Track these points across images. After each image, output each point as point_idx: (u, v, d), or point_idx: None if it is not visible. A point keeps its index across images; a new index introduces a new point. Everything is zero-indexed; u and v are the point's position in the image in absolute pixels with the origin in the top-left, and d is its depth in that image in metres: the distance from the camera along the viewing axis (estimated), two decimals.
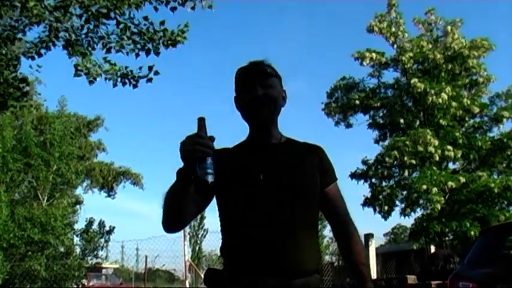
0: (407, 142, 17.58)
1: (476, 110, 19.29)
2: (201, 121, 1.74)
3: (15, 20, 7.24)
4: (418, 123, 19.61)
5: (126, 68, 7.57)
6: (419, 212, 19.13)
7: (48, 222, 16.38)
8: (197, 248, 33.99)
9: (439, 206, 16.83)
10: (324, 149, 2.11)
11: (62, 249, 17.26)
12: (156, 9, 7.49)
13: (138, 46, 7.48)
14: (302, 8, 70.31)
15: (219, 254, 2.01)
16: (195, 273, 15.75)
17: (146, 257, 15.10)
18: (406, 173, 19.45)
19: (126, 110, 61.26)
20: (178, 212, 1.86)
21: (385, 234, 47.11)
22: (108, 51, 7.53)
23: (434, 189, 16.79)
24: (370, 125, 21.29)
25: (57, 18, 7.17)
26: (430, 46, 19.56)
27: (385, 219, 19.76)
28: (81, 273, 16.99)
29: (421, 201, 18.36)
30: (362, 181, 20.56)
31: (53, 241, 16.33)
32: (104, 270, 28.97)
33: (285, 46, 64.68)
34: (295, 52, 69.56)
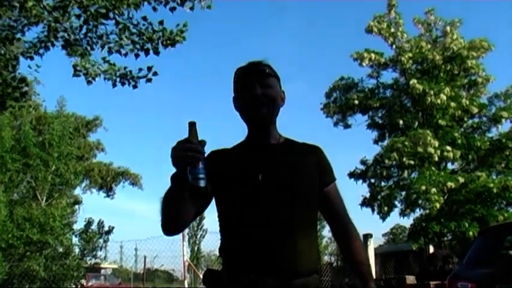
0: (406, 143, 17.59)
1: (475, 110, 19.32)
2: (192, 126, 1.74)
3: (14, 20, 7.23)
4: (417, 123, 19.63)
5: (125, 68, 7.57)
6: (418, 213, 19.16)
7: (47, 222, 16.37)
8: (196, 248, 34.00)
9: (437, 205, 16.84)
10: (323, 149, 2.11)
11: (60, 250, 17.24)
12: (154, 9, 7.49)
13: (137, 46, 7.48)
14: (301, 9, 70.40)
15: (218, 254, 2.01)
16: (193, 274, 15.74)
17: (145, 257, 15.10)
18: (406, 174, 19.47)
19: (124, 110, 61.33)
20: (175, 216, 1.86)
21: (384, 235, 47.16)
22: (108, 51, 7.54)
23: (433, 190, 16.81)
24: (369, 125, 21.30)
25: (56, 18, 7.16)
26: (429, 46, 19.58)
27: (383, 220, 19.79)
28: (79, 273, 16.98)
29: (420, 202, 18.37)
30: (361, 181, 20.60)
31: (51, 241, 16.32)
32: (102, 271, 28.97)
33: (285, 46, 64.79)
34: (294, 52, 69.69)
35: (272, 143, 2.00)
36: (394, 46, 19.97)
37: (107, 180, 31.16)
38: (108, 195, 32.05)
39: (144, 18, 7.45)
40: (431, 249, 18.66)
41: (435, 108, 18.97)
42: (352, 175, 20.62)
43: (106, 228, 20.16)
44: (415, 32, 20.54)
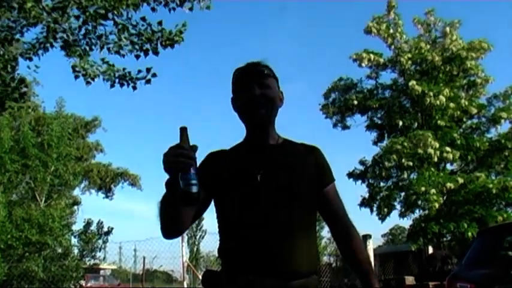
0: (405, 143, 17.60)
1: (474, 111, 19.34)
2: (183, 131, 1.73)
3: (13, 21, 7.22)
4: (416, 124, 19.65)
5: (124, 69, 7.57)
6: (417, 213, 19.17)
7: (46, 223, 16.35)
8: (195, 249, 33.98)
9: (436, 205, 16.85)
10: (321, 149, 2.11)
11: (59, 250, 17.22)
12: (154, 9, 7.50)
13: (136, 47, 7.48)
14: (301, 9, 70.40)
15: (217, 255, 2.01)
16: (193, 274, 15.72)
17: (144, 258, 15.07)
18: (405, 175, 19.48)
19: (123, 111, 61.30)
20: (174, 221, 1.86)
21: (383, 235, 47.22)
22: (108, 52, 7.54)
23: (433, 191, 16.83)
24: (368, 126, 21.32)
25: (55, 19, 7.16)
26: (428, 47, 19.60)
27: (382, 221, 19.80)
28: (78, 274, 16.97)
29: (419, 203, 18.39)
30: (360, 181, 20.61)
31: (50, 242, 16.31)
32: (101, 271, 28.99)
33: (285, 46, 64.74)
34: (294, 52, 69.65)
35: (271, 143, 2.00)
36: (392, 47, 19.99)
37: (106, 181, 31.15)
38: (107, 196, 32.06)
39: (143, 19, 7.45)
40: (431, 250, 18.69)
41: (434, 109, 18.99)
42: (351, 175, 20.64)
43: (105, 229, 20.17)
44: (415, 32, 20.60)
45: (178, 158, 1.66)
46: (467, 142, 18.82)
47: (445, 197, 17.95)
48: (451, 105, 18.64)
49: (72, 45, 7.49)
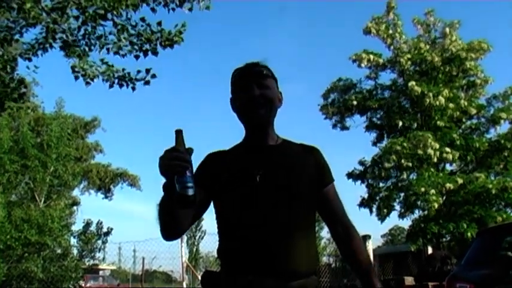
0: (405, 144, 17.61)
1: (473, 111, 19.36)
2: (178, 134, 1.73)
3: (12, 21, 7.22)
4: (415, 125, 19.66)
5: (123, 70, 7.57)
6: (416, 214, 19.17)
7: (45, 223, 16.32)
8: (194, 249, 33.92)
9: (436, 205, 16.85)
10: (320, 149, 2.11)
11: (58, 251, 17.20)
12: (153, 10, 7.49)
13: (136, 47, 7.48)
14: (301, 9, 70.44)
15: (216, 255, 2.01)
16: (192, 275, 15.72)
17: (143, 258, 15.10)
18: (404, 175, 19.49)
19: (123, 111, 61.27)
20: (173, 224, 1.86)
21: (383, 236, 47.23)
22: (107, 53, 7.53)
23: (432, 191, 16.83)
24: (367, 127, 21.32)
25: (54, 19, 7.15)
26: (428, 47, 19.61)
27: (382, 222, 19.82)
28: (78, 274, 16.94)
29: (418, 203, 18.39)
30: (359, 182, 20.61)
31: (50, 242, 16.29)
32: (101, 272, 28.97)
33: (285, 47, 64.87)
34: (294, 53, 69.75)
35: (270, 144, 2.00)
36: (392, 47, 20.00)
37: (105, 182, 31.13)
38: (106, 197, 32.05)
39: (143, 19, 7.45)
40: (430, 250, 18.69)
41: (434, 110, 19.00)
42: (351, 176, 20.64)
43: (105, 230, 20.13)
44: (414, 32, 20.60)
45: (173, 161, 1.66)
46: (467, 142, 18.84)
47: (444, 198, 17.95)
48: (451, 105, 18.65)
49: (71, 46, 7.48)
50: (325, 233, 20.93)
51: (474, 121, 20.34)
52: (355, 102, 20.43)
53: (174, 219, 1.83)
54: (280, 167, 1.92)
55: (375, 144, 21.35)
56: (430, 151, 17.35)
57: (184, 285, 12.52)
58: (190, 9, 7.54)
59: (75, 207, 25.80)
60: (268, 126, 2.01)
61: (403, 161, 17.81)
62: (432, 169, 18.17)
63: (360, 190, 20.96)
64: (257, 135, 2.00)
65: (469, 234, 16.53)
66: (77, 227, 20.03)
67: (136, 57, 7.51)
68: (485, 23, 49.78)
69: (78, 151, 26.39)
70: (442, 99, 18.16)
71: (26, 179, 19.12)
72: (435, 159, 17.79)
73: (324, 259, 19.81)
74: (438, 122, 18.72)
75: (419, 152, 17.43)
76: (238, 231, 1.87)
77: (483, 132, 20.02)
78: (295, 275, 1.82)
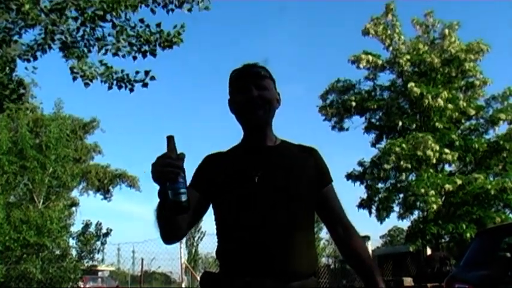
0: (404, 145, 17.62)
1: (472, 112, 19.38)
2: (170, 140, 1.72)
3: (11, 22, 7.21)
4: (414, 125, 19.68)
5: (122, 71, 7.56)
6: (416, 215, 19.19)
7: (44, 224, 16.31)
8: (193, 250, 33.89)
9: (435, 207, 16.87)
10: (319, 150, 2.11)
11: (57, 252, 17.19)
12: (153, 11, 7.49)
13: (135, 48, 7.47)
14: (301, 9, 70.45)
15: (215, 256, 2.01)
16: (191, 276, 15.72)
17: (142, 259, 15.09)
18: (403, 176, 19.50)
19: (122, 112, 61.24)
20: (170, 229, 1.86)
21: (382, 237, 47.19)
22: (105, 54, 7.53)
23: (432, 192, 16.85)
24: (366, 128, 21.33)
25: (53, 20, 7.15)
26: (426, 48, 19.64)
27: (381, 223, 19.84)
28: (76, 275, 16.93)
29: (418, 204, 18.41)
30: (358, 183, 20.63)
31: (48, 244, 16.28)
32: (100, 273, 28.92)
33: (284, 47, 64.83)
34: (294, 53, 69.75)
35: (268, 145, 2.00)
36: (390, 48, 20.02)
37: (104, 183, 31.09)
38: (105, 198, 31.99)
39: (142, 21, 7.45)
40: (429, 251, 18.70)
41: (433, 111, 19.02)
42: (350, 177, 20.65)
43: (104, 231, 20.12)
44: (413, 33, 20.62)
45: (165, 168, 1.65)
46: (466, 143, 18.86)
47: (443, 199, 17.97)
48: (450, 106, 18.68)
49: (70, 47, 7.48)
50: (324, 233, 20.96)
51: (473, 122, 20.38)
52: (354, 103, 20.45)
53: (172, 225, 1.83)
54: (279, 168, 1.92)
55: (373, 145, 21.38)
56: (430, 152, 17.37)
57: (183, 286, 12.52)
58: (189, 10, 7.54)
59: (74, 208, 25.80)
60: (266, 127, 2.01)
61: (402, 162, 17.82)
62: (431, 170, 18.18)
63: (359, 191, 20.99)
64: (255, 136, 2.00)
65: (468, 235, 16.55)
66: (76, 228, 19.99)
67: (134, 58, 7.51)
68: (485, 23, 49.86)
69: (77, 152, 26.39)
70: (441, 101, 18.19)
71: (24, 180, 19.11)
72: (434, 160, 17.80)
73: (323, 260, 19.81)
74: (437, 124, 18.74)
75: (419, 153, 17.44)
76: (236, 232, 1.87)
77: (482, 133, 20.05)
78: (294, 276, 1.81)
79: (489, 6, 50.74)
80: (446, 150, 17.83)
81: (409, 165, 18.06)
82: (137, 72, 7.47)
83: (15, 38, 7.37)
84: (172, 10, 7.49)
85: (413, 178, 18.78)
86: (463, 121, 20.16)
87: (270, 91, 1.99)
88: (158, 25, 7.47)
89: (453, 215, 18.00)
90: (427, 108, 19.03)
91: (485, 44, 19.15)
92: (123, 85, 7.54)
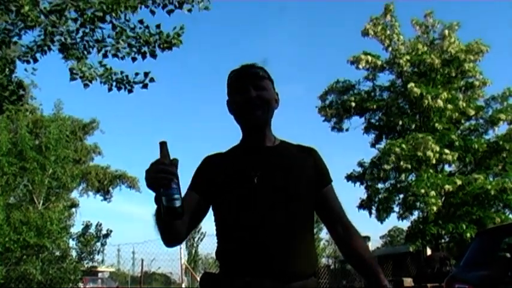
0: (403, 145, 17.62)
1: (472, 112, 19.39)
2: (162, 146, 1.73)
3: (11, 24, 7.21)
4: (414, 126, 19.68)
5: (121, 73, 7.57)
6: (416, 215, 19.19)
7: (44, 225, 16.32)
8: (193, 251, 33.88)
9: (435, 208, 16.87)
10: (318, 150, 2.11)
11: (57, 253, 17.19)
12: (152, 12, 7.49)
13: (134, 49, 7.47)
14: (301, 9, 70.46)
15: (215, 257, 2.01)
16: (191, 277, 15.73)
17: (142, 260, 15.10)
18: (403, 177, 19.50)
19: (121, 113, 61.20)
20: (170, 233, 1.86)
21: (382, 237, 47.18)
22: (104, 55, 7.53)
23: (432, 193, 16.85)
24: (366, 128, 21.33)
25: (53, 22, 7.15)
26: (426, 48, 19.64)
27: (382, 222, 19.83)
28: (76, 276, 16.93)
29: (417, 204, 18.41)
30: (358, 183, 20.63)
31: (48, 245, 16.28)
32: (100, 274, 28.93)
33: (284, 47, 64.82)
34: (294, 53, 69.74)
35: (267, 145, 2.00)
36: (390, 49, 20.02)
37: (104, 184, 31.07)
38: (105, 199, 31.96)
39: (141, 22, 7.45)
40: (429, 252, 18.70)
41: (432, 111, 19.03)
42: (350, 177, 20.65)
43: (104, 232, 20.11)
44: (413, 34, 20.63)
45: (158, 174, 1.66)
46: (466, 144, 18.86)
47: (443, 199, 17.98)
48: (449, 106, 18.68)
49: (69, 48, 7.48)
50: (324, 234, 21.00)
51: (473, 122, 20.39)
52: (353, 104, 20.45)
53: (171, 230, 1.83)
54: (278, 168, 1.92)
55: (373, 145, 21.37)
56: (430, 153, 17.37)
57: (183, 287, 12.53)
58: (189, 10, 7.54)
59: (73, 209, 25.80)
60: (265, 127, 2.01)
61: (402, 162, 17.82)
62: (431, 170, 18.18)
63: (359, 192, 21.01)
64: (254, 136, 2.00)
65: (468, 235, 16.55)
66: (76, 229, 20.02)
67: (134, 59, 7.51)
68: (485, 23, 49.88)
69: (77, 153, 26.39)
70: (440, 103, 18.20)
71: (24, 181, 19.12)
72: (434, 161, 17.81)
73: (323, 260, 19.84)
74: (437, 124, 18.74)
75: (419, 153, 17.45)
76: (236, 232, 1.87)
77: (482, 133, 20.06)
78: (294, 276, 1.81)
79: (489, 6, 50.78)
80: (446, 151, 17.83)
81: (409, 166, 18.05)
82: (137, 74, 7.48)
83: (15, 39, 7.37)
84: (172, 11, 7.49)
85: (413, 178, 18.77)
86: (462, 121, 20.17)
87: (269, 91, 1.99)
88: (158, 26, 7.47)
89: (453, 215, 18.01)
90: (426, 109, 19.04)
91: (484, 45, 19.17)
92: (123, 86, 7.54)
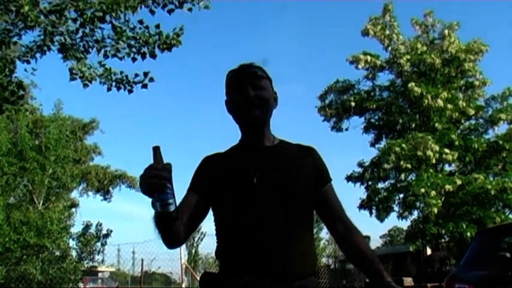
0: (403, 145, 17.62)
1: (472, 112, 19.39)
2: (156, 150, 1.72)
3: (11, 24, 7.21)
4: (414, 125, 19.69)
5: (121, 73, 7.57)
6: (416, 215, 19.19)
7: (44, 225, 16.32)
8: (193, 251, 33.87)
9: (435, 210, 16.86)
10: (317, 149, 2.10)
11: (57, 253, 17.19)
12: (152, 12, 7.48)
13: (134, 50, 7.47)
14: (301, 9, 70.40)
15: (215, 257, 2.01)
16: (191, 276, 15.73)
17: (142, 260, 15.10)
18: (403, 176, 19.50)
19: (121, 113, 61.18)
20: (169, 236, 1.86)
21: (382, 236, 47.20)
22: (104, 55, 7.53)
23: (433, 193, 16.84)
24: (365, 128, 21.33)
25: (52, 22, 7.15)
26: (425, 48, 19.64)
27: (382, 221, 19.84)
28: (76, 276, 16.93)
29: (417, 204, 18.41)
30: (358, 184, 20.63)
31: (48, 245, 16.28)
32: (100, 274, 28.93)
33: (284, 47, 64.73)
34: (294, 53, 69.65)
35: (266, 145, 2.00)
36: (389, 48, 20.02)
37: (104, 183, 31.07)
38: (105, 198, 31.95)
39: (141, 22, 7.45)
40: (429, 251, 18.70)
41: (432, 111, 19.03)
42: (350, 178, 20.65)
43: (104, 232, 20.11)
44: (413, 33, 20.62)
45: (152, 180, 1.66)
46: (466, 143, 18.86)
47: (443, 199, 17.98)
48: (449, 106, 18.69)
49: (69, 48, 7.48)
50: (324, 233, 20.98)
51: (473, 122, 20.40)
52: (353, 103, 20.45)
53: (170, 233, 1.83)
54: (277, 168, 1.92)
55: (373, 145, 21.38)
56: (430, 153, 17.37)
57: (183, 287, 12.53)
58: (190, 10, 7.54)
59: (73, 209, 25.79)
60: (263, 127, 2.01)
61: (402, 162, 17.82)
62: (431, 170, 18.18)
63: (359, 193, 21.01)
64: (253, 136, 2.00)
65: (468, 234, 16.55)
66: (76, 229, 20.01)
67: (133, 59, 7.51)
68: (485, 23, 49.83)
69: (77, 153, 26.38)
70: (440, 103, 18.20)
71: (24, 181, 19.11)
72: (434, 160, 17.81)
73: (323, 260, 19.84)
74: (437, 124, 18.74)
75: (419, 153, 17.45)
76: (235, 232, 1.87)
77: (482, 133, 20.06)
78: (293, 275, 1.81)
79: (489, 6, 50.67)
80: (446, 150, 17.83)
81: (409, 165, 18.05)
82: (136, 75, 7.48)
83: (15, 39, 7.37)
84: (173, 10, 7.49)
85: (413, 178, 18.77)
86: (462, 121, 20.17)
87: (267, 91, 1.99)
88: (157, 26, 7.47)
89: (453, 215, 18.01)
90: (426, 108, 19.04)
91: (484, 44, 19.17)
92: (122, 86, 7.55)
